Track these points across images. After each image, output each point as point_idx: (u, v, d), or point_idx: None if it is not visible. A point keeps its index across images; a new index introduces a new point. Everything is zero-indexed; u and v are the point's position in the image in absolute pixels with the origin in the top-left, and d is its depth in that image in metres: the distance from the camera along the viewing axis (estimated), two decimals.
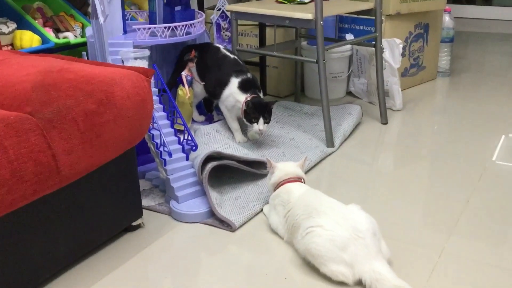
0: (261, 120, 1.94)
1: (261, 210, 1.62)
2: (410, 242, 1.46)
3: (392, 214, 1.61)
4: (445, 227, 1.53)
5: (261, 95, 2.03)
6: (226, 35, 2.35)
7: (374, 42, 2.30)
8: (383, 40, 2.42)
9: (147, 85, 1.38)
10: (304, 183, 1.56)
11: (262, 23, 2.64)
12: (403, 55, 2.69)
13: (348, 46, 2.65)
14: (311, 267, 1.31)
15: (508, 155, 2.04)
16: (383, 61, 2.41)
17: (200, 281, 1.32)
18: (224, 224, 1.54)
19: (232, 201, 1.65)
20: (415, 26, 2.74)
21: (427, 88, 2.93)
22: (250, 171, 1.77)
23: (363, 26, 2.67)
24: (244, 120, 1.97)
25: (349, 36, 2.67)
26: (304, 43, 2.67)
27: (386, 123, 2.38)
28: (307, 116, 2.40)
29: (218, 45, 2.16)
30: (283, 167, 1.58)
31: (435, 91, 2.93)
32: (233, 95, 1.99)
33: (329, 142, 2.08)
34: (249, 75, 2.04)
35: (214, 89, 2.06)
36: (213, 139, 1.85)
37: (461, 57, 3.60)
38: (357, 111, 2.37)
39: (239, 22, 2.35)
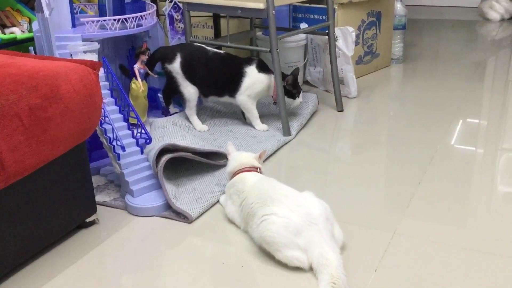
0: (301, 93, 2.14)
1: (218, 201, 1.62)
2: (365, 224, 1.49)
3: (349, 199, 1.64)
4: (398, 209, 1.56)
5: None
6: (179, 27, 2.33)
7: (327, 31, 2.32)
8: (336, 28, 2.45)
9: (94, 78, 1.35)
10: (261, 173, 1.56)
11: (217, 14, 2.63)
12: (356, 43, 2.73)
13: (303, 36, 2.67)
14: (267, 254, 1.32)
15: (458, 138, 2.10)
16: (337, 49, 2.44)
17: (160, 274, 1.31)
18: (181, 216, 1.53)
19: (189, 193, 1.64)
20: (368, 14, 2.78)
21: (382, 75, 2.98)
22: (207, 162, 1.77)
23: (317, 15, 2.69)
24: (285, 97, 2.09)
25: (304, 26, 2.68)
26: (259, 33, 2.67)
27: (342, 111, 2.41)
28: (264, 106, 2.41)
29: (199, 44, 2.15)
30: (237, 157, 1.58)
31: (390, 78, 2.98)
32: (259, 80, 2.06)
33: (286, 131, 2.09)
34: (257, 58, 2.13)
35: (226, 86, 2.09)
36: (169, 131, 1.84)
37: (415, 44, 3.68)
38: (313, 99, 2.40)
39: (193, 13, 2.33)
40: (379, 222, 1.50)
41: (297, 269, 1.27)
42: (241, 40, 2.55)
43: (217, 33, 2.66)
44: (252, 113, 2.14)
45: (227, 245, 1.42)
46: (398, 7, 3.04)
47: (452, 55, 3.44)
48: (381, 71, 3.04)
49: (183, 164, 1.78)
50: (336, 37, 2.41)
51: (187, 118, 2.12)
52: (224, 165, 1.79)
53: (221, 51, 2.15)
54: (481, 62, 3.25)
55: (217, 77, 2.08)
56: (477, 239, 1.41)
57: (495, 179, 1.75)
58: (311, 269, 1.26)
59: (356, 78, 2.66)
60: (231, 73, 2.07)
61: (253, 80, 2.07)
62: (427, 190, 1.67)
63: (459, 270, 1.28)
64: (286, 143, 2.06)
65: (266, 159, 1.90)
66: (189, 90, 2.09)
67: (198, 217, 1.54)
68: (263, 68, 2.09)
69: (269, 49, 2.02)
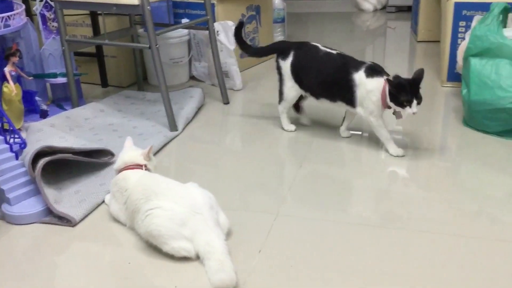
0: (414, 102, 1.69)
1: (104, 201, 1.59)
2: (250, 209, 1.55)
3: (236, 187, 1.69)
4: (280, 192, 1.64)
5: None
6: (53, 26, 2.24)
7: (207, 26, 2.35)
8: (216, 23, 2.49)
9: None
10: (150, 170, 1.55)
11: (94, 12, 2.55)
12: None
13: (185, 31, 2.68)
14: (154, 248, 1.33)
15: (330, 123, 2.23)
16: (219, 44, 2.48)
17: (48, 283, 1.26)
18: (64, 220, 1.48)
19: (71, 196, 1.60)
20: (247, 9, 2.86)
21: (266, 67, 3.08)
22: (90, 161, 1.73)
23: (198, 11, 2.71)
24: (392, 105, 1.73)
25: (185, 21, 2.70)
26: (140, 30, 2.64)
27: (228, 103, 2.46)
28: (150, 103, 2.40)
29: (315, 44, 1.98)
30: (122, 155, 1.56)
31: (273, 70, 3.06)
32: (369, 87, 1.76)
33: (172, 126, 2.10)
34: (369, 62, 1.83)
35: (337, 92, 1.87)
36: (46, 134, 1.77)
37: (297, 37, 3.83)
38: (198, 93, 2.42)
39: (70, 11, 2.25)
40: (263, 206, 1.56)
41: (185, 259, 1.29)
42: (122, 37, 2.50)
43: (96, 31, 2.59)
44: (381, 133, 1.84)
45: (113, 244, 1.41)
46: (276, 1, 3.15)
47: (333, 45, 3.60)
48: (265, 63, 3.13)
49: (65, 167, 1.73)
50: (217, 31, 2.45)
51: (69, 118, 2.03)
52: (109, 163, 1.76)
53: (333, 51, 1.92)
54: (360, 51, 3.47)
55: (325, 80, 1.89)
56: (352, 214, 1.53)
57: (371, 160, 1.89)
58: (198, 257, 1.29)
59: (241, 71, 2.73)
60: (339, 79, 1.84)
61: (365, 90, 1.78)
62: (307, 172, 1.77)
63: (336, 242, 1.38)
64: (173, 138, 2.07)
65: (155, 155, 1.90)
66: (291, 92, 2.00)
67: (82, 219, 1.50)
68: (374, 71, 1.77)
69: (148, 45, 2.01)
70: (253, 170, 1.81)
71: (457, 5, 2.48)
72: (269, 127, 2.22)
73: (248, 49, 2.17)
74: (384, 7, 4.78)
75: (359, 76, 1.78)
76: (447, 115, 2.30)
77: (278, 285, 1.21)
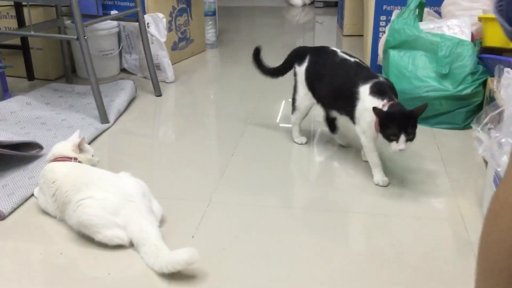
0: (402, 137, 1.49)
1: (33, 194, 1.57)
2: (183, 197, 1.58)
3: (169, 177, 1.72)
4: (213, 180, 1.68)
5: (396, 100, 1.56)
6: None
7: (137, 18, 2.34)
8: (147, 15, 2.49)
9: None
10: (81, 162, 1.53)
11: (18, 3, 2.47)
12: (170, 29, 2.80)
13: (115, 23, 2.65)
14: (87, 238, 1.33)
15: (264, 114, 2.30)
16: (150, 36, 2.48)
17: None
18: None
19: None
20: (178, 1, 2.87)
21: (198, 60, 3.11)
22: (18, 154, 1.69)
23: (127, 3, 2.69)
24: (381, 135, 1.53)
25: (114, 13, 2.67)
26: (67, 22, 2.58)
27: (160, 95, 2.47)
28: (80, 96, 2.36)
29: (333, 49, 1.79)
30: (52, 148, 1.55)
31: (206, 62, 3.12)
32: (368, 107, 1.53)
33: (103, 118, 2.08)
34: (381, 78, 1.62)
35: (342, 104, 1.68)
36: None
37: (230, 30, 3.87)
38: (129, 86, 2.41)
39: None
40: (196, 194, 1.60)
41: (118, 247, 1.31)
42: (48, 29, 2.44)
43: (21, 23, 2.50)
44: (370, 156, 1.65)
45: (43, 237, 1.40)
46: None
47: (264, 38, 3.70)
48: (197, 56, 3.15)
49: None
50: (147, 23, 2.45)
51: None
52: (38, 156, 1.74)
53: (352, 58, 1.71)
54: (290, 45, 3.56)
55: (334, 89, 1.71)
56: (280, 198, 1.60)
57: (303, 150, 1.97)
58: (132, 245, 1.31)
59: (174, 63, 2.74)
60: (346, 89, 1.63)
61: (362, 107, 1.58)
62: (238, 160, 1.82)
63: (265, 224, 1.44)
64: (105, 131, 2.05)
65: None
66: (304, 101, 1.83)
67: (11, 213, 1.48)
68: (379, 90, 1.56)
69: (76, 37, 1.98)
70: (186, 161, 1.84)
71: (378, 0, 2.62)
72: (202, 119, 2.25)
73: (268, 71, 1.98)
74: (312, 2, 4.92)
75: (363, 90, 1.58)
76: None
77: (211, 267, 1.26)
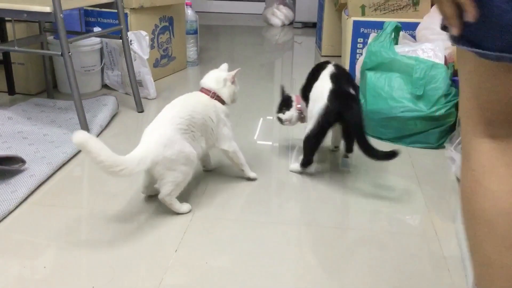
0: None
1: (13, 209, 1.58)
2: (167, 212, 1.60)
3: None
4: (195, 196, 1.71)
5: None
6: None
7: (120, 35, 2.38)
8: (130, 32, 2.53)
9: None
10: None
11: (1, 18, 2.48)
12: (152, 47, 2.84)
13: (97, 39, 2.68)
14: (71, 250, 1.34)
15: (241, 131, 2.35)
16: (132, 53, 2.51)
17: None
18: None
19: None
20: (160, 19, 2.92)
21: (179, 77, 3.15)
22: (0, 169, 1.69)
23: (110, 19, 2.72)
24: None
25: (97, 29, 2.70)
26: (50, 37, 2.60)
27: (142, 111, 2.49)
28: (61, 111, 2.37)
29: (344, 69, 1.92)
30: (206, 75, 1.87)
31: (187, 80, 3.16)
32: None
33: None
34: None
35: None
36: None
37: (211, 49, 3.93)
38: (112, 101, 2.43)
39: None
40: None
41: (101, 260, 1.33)
42: (31, 44, 2.45)
43: (3, 38, 2.51)
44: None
45: (27, 251, 1.41)
46: (189, 13, 3.23)
47: (244, 57, 3.77)
48: (179, 73, 3.20)
49: None
50: (131, 41, 2.48)
51: None
52: (20, 170, 1.74)
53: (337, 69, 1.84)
54: (269, 63, 3.64)
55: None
56: (261, 213, 1.64)
57: (280, 162, 2.02)
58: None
59: (155, 80, 2.77)
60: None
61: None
62: (218, 177, 1.86)
63: (247, 239, 1.48)
64: None
65: (66, 163, 1.90)
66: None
67: None
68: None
69: (60, 53, 2.01)
70: None
71: (355, 23, 2.71)
72: None
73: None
74: (291, 23, 5.03)
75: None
76: None
77: (193, 280, 1.28)
